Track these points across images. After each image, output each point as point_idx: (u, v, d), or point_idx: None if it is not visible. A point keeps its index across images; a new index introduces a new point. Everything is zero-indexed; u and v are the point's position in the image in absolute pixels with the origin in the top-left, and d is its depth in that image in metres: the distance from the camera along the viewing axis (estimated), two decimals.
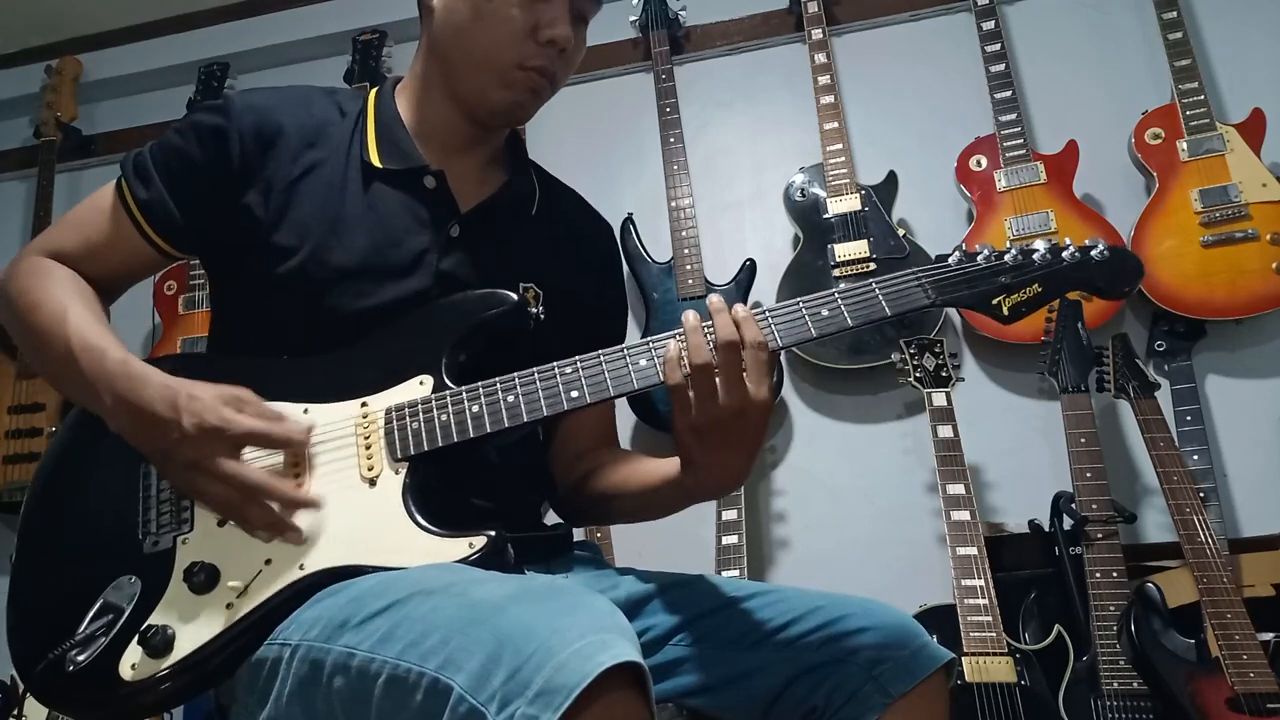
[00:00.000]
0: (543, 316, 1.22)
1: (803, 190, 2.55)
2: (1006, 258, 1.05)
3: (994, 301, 1.05)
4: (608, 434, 1.36)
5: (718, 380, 0.97)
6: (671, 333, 1.03)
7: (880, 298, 1.04)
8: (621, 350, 1.04)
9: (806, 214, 2.51)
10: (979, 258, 1.06)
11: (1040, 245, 1.07)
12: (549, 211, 1.32)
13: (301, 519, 0.99)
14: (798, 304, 1.03)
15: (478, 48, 1.15)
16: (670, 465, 1.11)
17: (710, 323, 0.99)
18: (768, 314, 1.03)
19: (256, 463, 1.02)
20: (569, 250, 1.32)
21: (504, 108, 1.18)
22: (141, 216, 1.16)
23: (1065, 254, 1.06)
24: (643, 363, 1.03)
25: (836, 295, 1.04)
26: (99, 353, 1.03)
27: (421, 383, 1.07)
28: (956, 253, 1.07)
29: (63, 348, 1.05)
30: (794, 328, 1.03)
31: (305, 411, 1.06)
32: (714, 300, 1.01)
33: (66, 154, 3.11)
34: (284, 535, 0.98)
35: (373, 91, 1.27)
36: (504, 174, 1.28)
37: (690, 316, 1.00)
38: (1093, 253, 1.06)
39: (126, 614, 0.97)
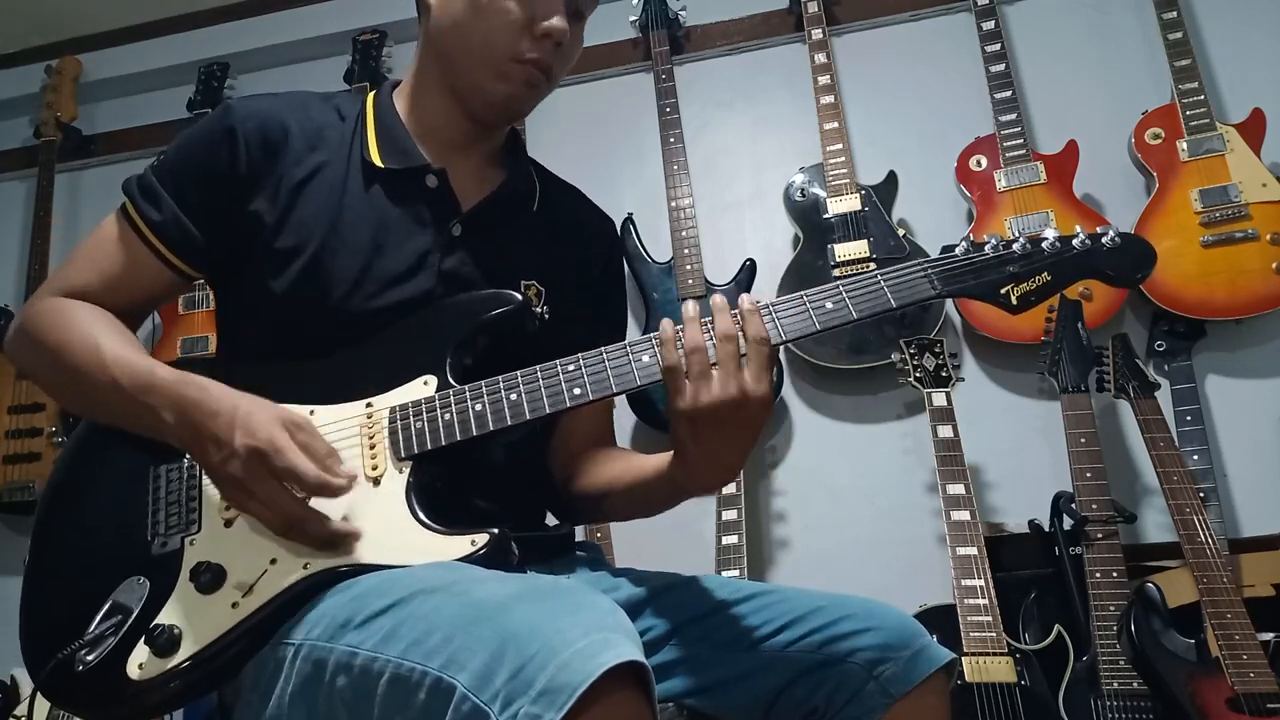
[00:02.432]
0: (547, 316, 1.22)
1: (803, 190, 2.55)
2: (1015, 247, 1.05)
3: (1002, 291, 1.04)
4: (605, 433, 1.36)
5: (715, 371, 0.97)
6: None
7: (885, 289, 1.03)
8: (624, 346, 1.04)
9: (806, 214, 2.52)
10: (986, 247, 1.05)
11: (1050, 233, 1.06)
12: (549, 208, 1.32)
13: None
14: (801, 297, 1.03)
15: (474, 41, 1.15)
16: (662, 459, 1.11)
17: (710, 318, 1.00)
18: (771, 307, 1.02)
19: None
20: (570, 246, 1.32)
21: (500, 101, 1.18)
22: (157, 239, 1.14)
23: (1075, 241, 1.05)
24: (645, 359, 1.03)
25: (840, 288, 1.03)
26: (145, 374, 1.03)
27: (425, 383, 1.07)
28: (963, 243, 1.06)
29: (105, 378, 1.04)
30: (798, 321, 1.02)
31: (311, 413, 1.07)
32: (717, 300, 1.01)
33: (66, 154, 3.11)
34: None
35: (371, 94, 1.27)
36: (503, 172, 1.28)
37: (689, 307, 1.00)
38: (1103, 239, 1.05)
39: (135, 614, 0.97)
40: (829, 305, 1.03)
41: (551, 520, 1.30)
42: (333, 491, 0.96)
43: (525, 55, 1.14)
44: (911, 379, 2.21)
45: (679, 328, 1.00)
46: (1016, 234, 1.07)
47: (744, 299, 1.00)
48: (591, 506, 1.28)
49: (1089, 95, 2.55)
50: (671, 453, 1.07)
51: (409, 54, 1.28)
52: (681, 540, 2.27)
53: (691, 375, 0.97)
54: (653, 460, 1.15)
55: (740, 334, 0.98)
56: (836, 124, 2.56)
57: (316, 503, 0.98)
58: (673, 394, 0.99)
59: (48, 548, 1.07)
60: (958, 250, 1.05)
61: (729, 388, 0.96)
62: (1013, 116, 2.43)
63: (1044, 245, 1.05)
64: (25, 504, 2.64)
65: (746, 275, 2.53)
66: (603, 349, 1.05)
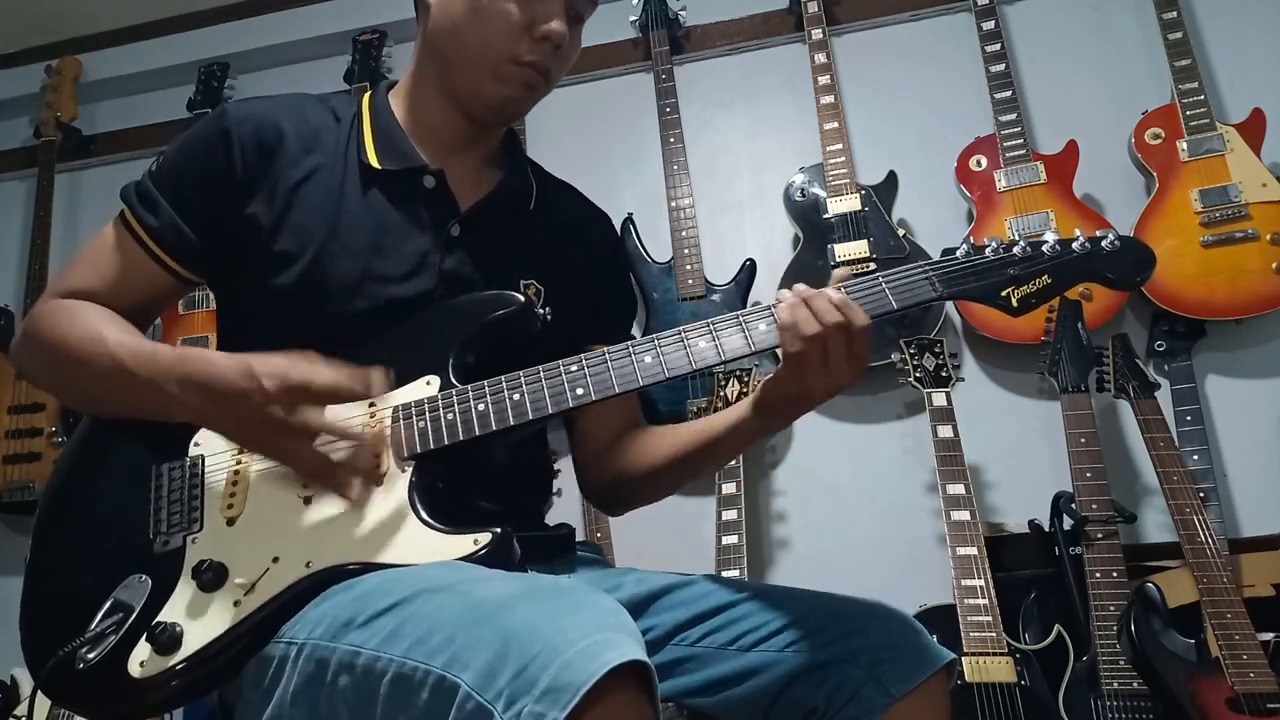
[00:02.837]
0: (549, 317, 1.22)
1: (803, 190, 2.55)
2: (1015, 250, 1.06)
3: (1002, 294, 1.05)
4: (636, 416, 1.37)
5: (831, 361, 1.02)
6: (672, 330, 1.05)
7: (887, 292, 1.04)
8: (626, 347, 1.05)
9: (806, 214, 2.52)
10: (987, 250, 1.06)
11: (1050, 236, 1.07)
12: (547, 207, 1.32)
13: (308, 517, 1.00)
14: None
15: (473, 43, 1.15)
16: (736, 415, 1.16)
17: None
18: (773, 309, 1.04)
19: None
20: (569, 245, 1.32)
21: (498, 103, 1.19)
22: (156, 244, 1.15)
23: (1075, 245, 1.07)
24: (648, 359, 1.03)
25: (842, 289, 1.04)
26: (149, 353, 1.03)
27: (429, 383, 1.08)
28: (964, 245, 1.07)
29: (108, 363, 1.04)
30: None
31: None
32: (805, 288, 1.04)
33: (66, 154, 3.11)
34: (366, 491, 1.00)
35: (366, 95, 1.27)
36: (500, 172, 1.28)
37: (788, 295, 1.03)
38: (1103, 243, 1.06)
39: (136, 612, 0.97)
40: None
41: (552, 520, 1.30)
42: (378, 387, 0.99)
43: (524, 58, 1.15)
44: (911, 379, 2.21)
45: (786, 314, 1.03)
46: (1016, 235, 1.08)
47: (831, 292, 1.03)
48: (655, 482, 1.29)
49: (1089, 95, 2.55)
50: (746, 407, 1.15)
51: (409, 54, 1.27)
52: (681, 540, 2.27)
53: (812, 364, 1.02)
54: (721, 419, 1.19)
55: (846, 325, 1.02)
56: (836, 124, 2.56)
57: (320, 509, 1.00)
58: (792, 378, 1.06)
59: (49, 546, 1.08)
60: (958, 253, 1.07)
61: (842, 376, 1.05)
62: (1013, 116, 2.43)
63: (1044, 248, 1.06)
64: (25, 504, 2.64)
65: (746, 275, 2.53)
66: (605, 349, 1.05)
